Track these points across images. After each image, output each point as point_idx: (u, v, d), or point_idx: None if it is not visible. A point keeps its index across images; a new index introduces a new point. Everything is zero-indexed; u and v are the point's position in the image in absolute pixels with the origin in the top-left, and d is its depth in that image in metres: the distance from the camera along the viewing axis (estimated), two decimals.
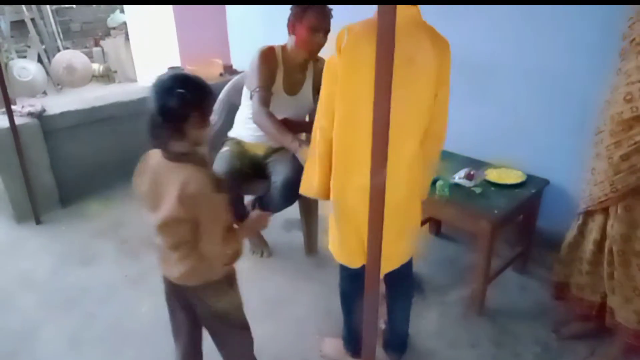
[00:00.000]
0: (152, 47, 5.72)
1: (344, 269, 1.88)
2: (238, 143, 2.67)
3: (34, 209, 3.35)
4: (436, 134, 1.71)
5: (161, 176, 1.46)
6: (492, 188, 2.40)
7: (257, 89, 2.45)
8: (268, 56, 2.49)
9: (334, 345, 2.16)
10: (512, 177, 2.46)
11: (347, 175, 1.62)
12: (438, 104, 1.63)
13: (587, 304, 2.13)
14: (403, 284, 1.96)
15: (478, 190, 2.38)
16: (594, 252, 2.01)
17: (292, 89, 2.57)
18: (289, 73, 2.54)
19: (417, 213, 1.79)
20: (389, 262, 1.72)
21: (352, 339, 2.05)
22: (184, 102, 1.35)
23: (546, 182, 2.47)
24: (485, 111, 2.75)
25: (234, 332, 1.75)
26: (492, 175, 2.48)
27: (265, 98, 2.44)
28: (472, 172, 2.46)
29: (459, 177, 2.46)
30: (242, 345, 1.79)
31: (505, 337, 2.28)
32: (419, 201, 1.78)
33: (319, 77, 2.24)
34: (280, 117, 2.44)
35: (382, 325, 2.14)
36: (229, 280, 1.69)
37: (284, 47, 2.54)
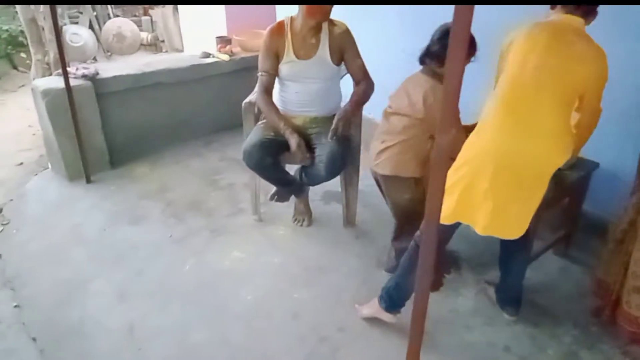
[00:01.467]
0: (199, 18, 5.78)
1: None
2: None
3: (85, 169, 3.49)
4: (583, 125, 1.97)
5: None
6: None
7: (259, 74, 2.65)
8: (273, 34, 2.61)
9: (369, 305, 2.23)
10: None
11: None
12: (587, 102, 1.88)
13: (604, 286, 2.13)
14: (519, 240, 1.97)
15: None
16: (624, 230, 1.99)
17: (307, 53, 2.61)
18: (300, 40, 2.60)
19: (543, 185, 1.85)
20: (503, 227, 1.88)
21: (390, 296, 2.13)
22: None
23: (596, 165, 2.41)
24: None
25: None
26: None
27: (264, 83, 2.63)
28: None
29: None
30: None
31: (544, 318, 2.27)
32: (547, 177, 1.85)
33: (337, 40, 2.59)
34: (300, 81, 2.63)
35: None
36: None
37: (292, 17, 2.62)
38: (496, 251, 2.68)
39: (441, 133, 1.12)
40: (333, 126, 2.48)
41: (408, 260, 2.05)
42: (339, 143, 2.53)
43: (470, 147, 1.88)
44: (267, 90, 2.64)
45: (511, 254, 2.20)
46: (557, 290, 2.45)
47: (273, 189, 2.89)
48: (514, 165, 1.78)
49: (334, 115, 2.62)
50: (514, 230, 1.90)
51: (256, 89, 2.72)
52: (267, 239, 2.87)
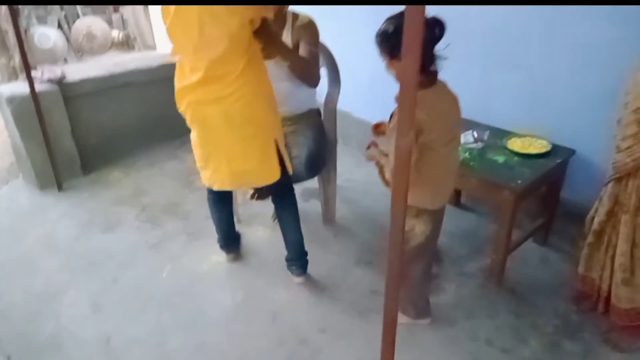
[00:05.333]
0: None
1: None
2: None
3: (56, 176, 3.39)
4: None
5: None
6: (516, 158, 2.34)
7: None
8: None
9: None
10: (537, 146, 2.39)
11: None
12: None
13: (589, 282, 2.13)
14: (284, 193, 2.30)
15: (501, 159, 2.33)
16: (602, 222, 1.97)
17: (269, 54, 2.34)
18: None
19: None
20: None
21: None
22: None
23: (572, 152, 2.40)
24: (513, 79, 2.66)
25: None
26: (516, 144, 2.41)
27: None
28: (475, 134, 2.43)
29: (465, 141, 2.43)
30: None
31: (524, 308, 2.26)
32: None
33: (296, 34, 2.42)
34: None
35: None
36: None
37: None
38: (476, 243, 2.69)
39: (400, 136, 1.08)
40: None
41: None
42: (316, 141, 2.48)
43: None
44: None
45: (282, 209, 2.41)
46: (537, 279, 2.44)
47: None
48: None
49: (308, 110, 2.57)
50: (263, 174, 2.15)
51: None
52: (246, 240, 2.82)
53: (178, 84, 2.00)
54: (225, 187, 2.22)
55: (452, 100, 1.82)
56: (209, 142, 2.09)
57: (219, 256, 2.68)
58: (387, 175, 1.82)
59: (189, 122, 2.10)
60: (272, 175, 2.16)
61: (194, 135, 2.14)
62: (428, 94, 1.70)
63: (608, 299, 2.07)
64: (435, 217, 1.95)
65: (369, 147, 1.91)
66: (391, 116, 1.75)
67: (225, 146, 2.05)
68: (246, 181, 2.22)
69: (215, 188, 2.22)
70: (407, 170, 1.11)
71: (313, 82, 2.46)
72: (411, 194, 1.69)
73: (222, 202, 2.52)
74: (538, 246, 2.65)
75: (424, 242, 1.95)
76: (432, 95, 1.71)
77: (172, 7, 1.79)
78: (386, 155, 1.82)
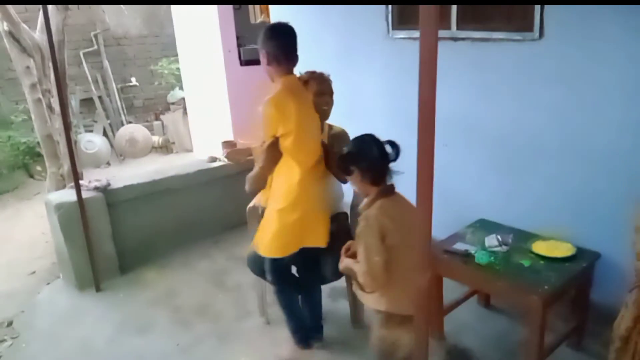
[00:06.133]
0: (207, 121, 6.09)
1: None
2: None
3: (94, 277, 3.54)
4: None
5: None
6: (541, 261, 2.37)
7: None
8: None
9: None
10: (562, 250, 2.41)
11: None
12: None
13: None
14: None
15: (527, 263, 2.36)
16: (629, 328, 1.95)
17: None
18: None
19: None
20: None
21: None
22: None
23: (597, 255, 2.42)
24: (531, 183, 2.76)
25: None
26: (541, 247, 2.44)
27: None
28: (499, 237, 2.48)
29: (489, 245, 2.47)
30: None
31: None
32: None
33: (331, 139, 2.69)
34: None
35: None
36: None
37: None
38: (508, 347, 2.64)
39: None
40: None
41: None
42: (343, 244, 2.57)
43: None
44: None
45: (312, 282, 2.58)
46: None
47: None
48: None
49: (336, 215, 2.69)
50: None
51: None
52: (275, 344, 2.83)
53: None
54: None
55: (412, 209, 1.94)
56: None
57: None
58: (361, 279, 1.95)
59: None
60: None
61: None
62: (389, 201, 1.94)
63: None
64: (409, 322, 1.97)
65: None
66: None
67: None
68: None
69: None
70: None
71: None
72: (389, 299, 1.86)
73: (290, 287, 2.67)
74: (573, 350, 2.58)
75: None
76: (392, 203, 1.94)
77: (293, 128, 2.22)
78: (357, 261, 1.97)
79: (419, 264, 1.60)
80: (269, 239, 2.42)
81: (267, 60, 2.32)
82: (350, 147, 2.02)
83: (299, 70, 2.45)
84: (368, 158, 1.93)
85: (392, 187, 1.98)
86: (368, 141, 1.97)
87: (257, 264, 2.62)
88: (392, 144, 1.97)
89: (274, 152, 2.33)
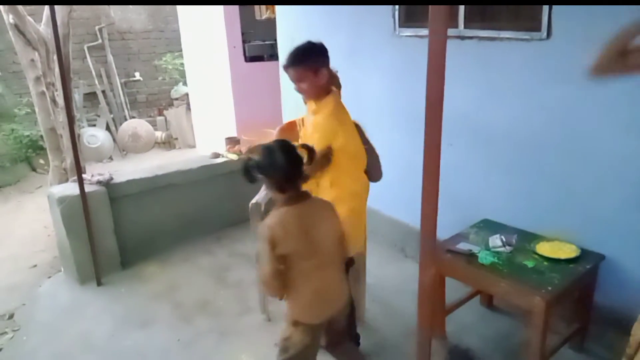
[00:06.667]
0: (210, 117, 6.09)
1: None
2: None
3: (96, 272, 3.53)
4: None
5: None
6: (545, 263, 2.36)
7: None
8: (283, 132, 2.73)
9: None
10: (566, 251, 2.40)
11: None
12: None
13: None
14: None
15: (530, 264, 2.35)
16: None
17: None
18: None
19: None
20: None
21: None
22: None
23: (602, 257, 2.41)
24: (536, 184, 2.75)
25: None
26: (545, 249, 2.43)
27: None
28: (503, 238, 2.48)
29: (493, 245, 2.47)
30: None
31: None
32: None
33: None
34: None
35: None
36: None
37: (303, 118, 2.69)
38: (510, 348, 2.63)
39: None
40: None
41: None
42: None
43: None
44: None
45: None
46: None
47: None
48: None
49: None
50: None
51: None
52: (275, 341, 2.82)
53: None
54: None
55: (324, 219, 1.97)
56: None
57: (249, 357, 2.69)
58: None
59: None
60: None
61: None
62: (290, 210, 1.89)
63: None
64: (315, 331, 2.00)
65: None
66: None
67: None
68: None
69: None
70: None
71: (381, 173, 2.62)
72: (288, 304, 1.90)
73: None
74: (575, 352, 2.58)
75: (303, 352, 1.98)
76: (296, 211, 1.89)
77: (351, 148, 2.32)
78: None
79: (421, 263, 1.59)
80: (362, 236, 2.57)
81: (326, 77, 2.34)
82: (257, 156, 1.97)
83: None
84: (273, 167, 1.88)
85: (302, 194, 1.95)
86: (273, 149, 1.91)
87: None
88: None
89: (327, 160, 2.33)
